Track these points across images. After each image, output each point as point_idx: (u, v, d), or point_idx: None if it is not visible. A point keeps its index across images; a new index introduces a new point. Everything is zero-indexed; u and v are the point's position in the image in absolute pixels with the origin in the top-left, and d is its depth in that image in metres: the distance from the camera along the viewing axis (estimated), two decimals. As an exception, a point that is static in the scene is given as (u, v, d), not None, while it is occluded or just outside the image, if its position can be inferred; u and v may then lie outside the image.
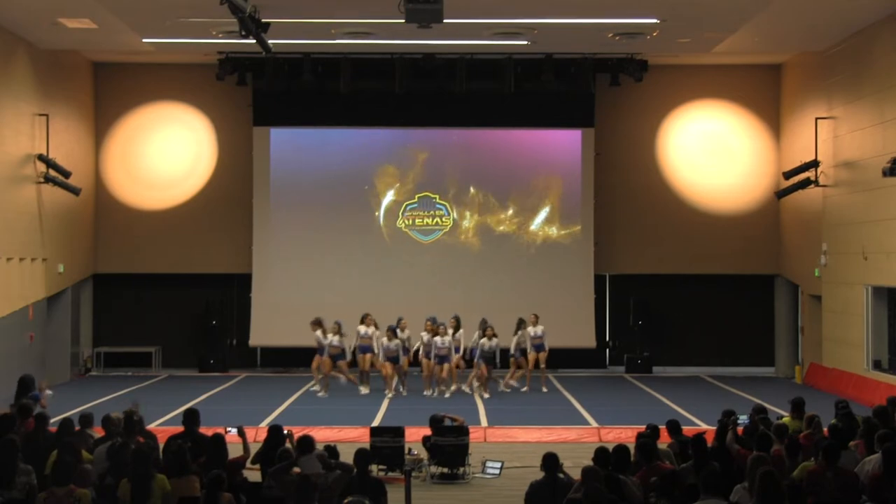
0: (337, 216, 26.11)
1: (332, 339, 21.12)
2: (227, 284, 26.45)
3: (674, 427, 12.02)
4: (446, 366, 20.84)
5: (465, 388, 21.50)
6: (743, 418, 12.12)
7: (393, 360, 20.80)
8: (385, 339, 20.81)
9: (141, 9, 19.51)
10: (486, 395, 20.81)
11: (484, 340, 20.94)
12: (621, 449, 9.89)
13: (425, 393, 20.98)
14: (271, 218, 26.14)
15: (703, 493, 8.56)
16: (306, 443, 11.11)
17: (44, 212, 23.14)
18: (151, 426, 15.08)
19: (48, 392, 15.91)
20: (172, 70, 26.29)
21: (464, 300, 25.15)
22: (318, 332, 21.28)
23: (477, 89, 24.91)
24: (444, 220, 26.24)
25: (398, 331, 20.93)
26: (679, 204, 26.59)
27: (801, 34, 21.98)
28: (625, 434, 16.35)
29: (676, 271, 26.64)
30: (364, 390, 21.21)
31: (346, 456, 11.29)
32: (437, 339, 20.83)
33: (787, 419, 12.71)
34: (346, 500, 8.60)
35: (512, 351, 21.61)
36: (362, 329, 21.41)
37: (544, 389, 21.82)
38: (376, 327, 21.39)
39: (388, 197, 26.21)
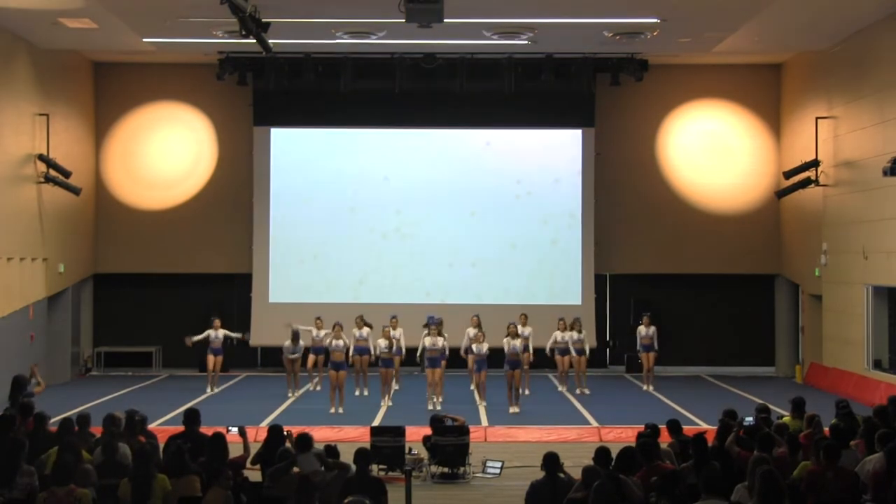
0: (337, 216, 26.11)
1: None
2: (228, 284, 26.45)
3: (674, 427, 12.01)
4: (438, 371, 19.93)
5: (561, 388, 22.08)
6: (749, 419, 12.05)
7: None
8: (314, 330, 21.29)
9: (141, 9, 19.51)
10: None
11: (558, 333, 21.50)
12: (626, 451, 9.87)
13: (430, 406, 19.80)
14: (271, 218, 26.14)
15: (704, 493, 8.55)
16: (305, 441, 11.12)
17: (44, 211, 23.15)
18: (152, 426, 15.09)
19: (34, 381, 15.60)
20: (173, 70, 26.30)
21: (464, 300, 25.18)
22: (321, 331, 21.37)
23: (477, 89, 24.92)
24: (444, 219, 26.21)
25: (390, 329, 20.59)
26: (679, 204, 26.59)
27: (801, 34, 21.98)
28: (625, 434, 16.36)
29: (676, 271, 26.65)
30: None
31: (346, 456, 11.28)
32: (428, 339, 20.00)
33: (787, 419, 12.72)
34: (346, 500, 8.58)
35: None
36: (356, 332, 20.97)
37: (527, 392, 21.64)
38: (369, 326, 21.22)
39: (388, 196, 26.19)
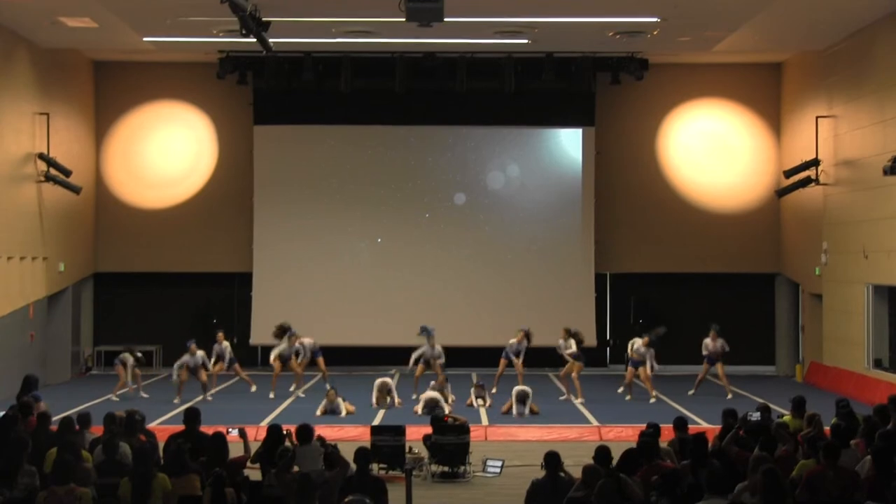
0: (337, 215, 26.10)
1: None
2: (228, 283, 26.45)
3: (680, 424, 11.96)
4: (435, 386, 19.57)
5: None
6: (755, 415, 12.01)
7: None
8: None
9: (141, 8, 19.51)
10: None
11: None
12: (629, 452, 9.85)
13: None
14: (271, 217, 26.13)
15: (708, 492, 8.55)
16: (305, 433, 11.11)
17: (44, 210, 23.14)
18: (152, 425, 15.09)
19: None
20: (173, 69, 26.30)
21: (464, 300, 25.19)
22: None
23: (477, 88, 24.92)
24: (443, 218, 26.20)
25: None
26: (679, 203, 26.59)
27: (802, 33, 21.98)
28: (625, 433, 16.37)
29: (677, 270, 26.64)
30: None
31: (346, 455, 11.28)
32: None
33: (787, 418, 12.72)
34: (346, 499, 8.58)
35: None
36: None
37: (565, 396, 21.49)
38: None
39: (388, 196, 26.18)
